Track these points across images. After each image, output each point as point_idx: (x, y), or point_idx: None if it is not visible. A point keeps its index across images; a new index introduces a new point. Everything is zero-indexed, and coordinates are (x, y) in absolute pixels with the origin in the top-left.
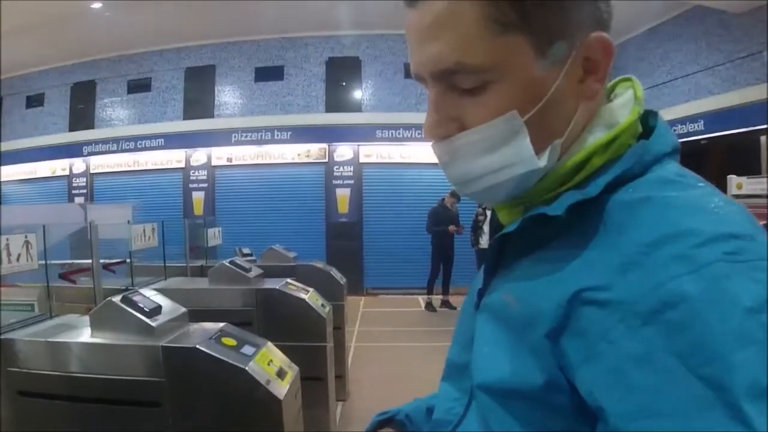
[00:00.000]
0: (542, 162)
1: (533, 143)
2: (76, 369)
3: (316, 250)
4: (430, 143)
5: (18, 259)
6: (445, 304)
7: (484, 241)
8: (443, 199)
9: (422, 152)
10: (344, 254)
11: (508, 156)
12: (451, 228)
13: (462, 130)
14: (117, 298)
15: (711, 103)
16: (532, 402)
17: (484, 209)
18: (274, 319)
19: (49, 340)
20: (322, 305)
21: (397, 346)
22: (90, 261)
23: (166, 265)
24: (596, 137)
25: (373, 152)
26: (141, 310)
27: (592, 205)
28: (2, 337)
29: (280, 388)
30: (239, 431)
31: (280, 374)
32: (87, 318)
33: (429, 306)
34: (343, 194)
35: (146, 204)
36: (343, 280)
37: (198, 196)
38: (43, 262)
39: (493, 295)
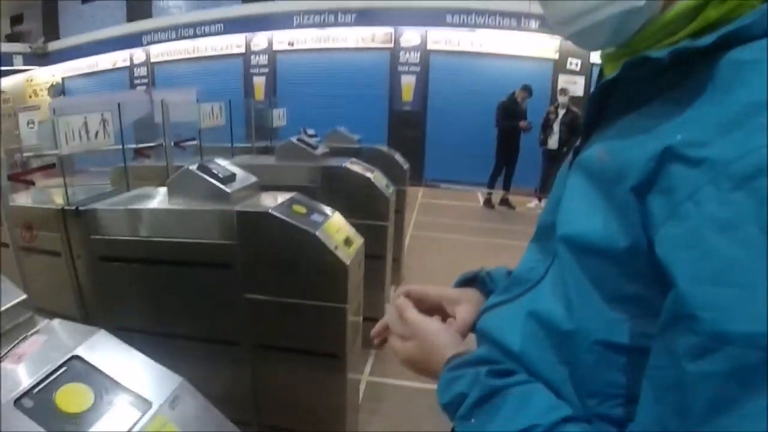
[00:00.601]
0: (641, 0)
1: None
2: (154, 234)
3: (377, 137)
4: None
5: (96, 136)
6: (504, 202)
7: (553, 141)
8: (514, 93)
9: (495, 41)
10: (406, 143)
11: None
12: (522, 124)
13: None
14: (193, 167)
15: None
16: (610, 261)
17: (556, 108)
18: (338, 196)
19: (129, 207)
20: (386, 186)
21: (452, 239)
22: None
23: (233, 146)
24: None
25: (442, 38)
26: (216, 177)
27: (701, 62)
28: (84, 208)
29: (347, 255)
30: (306, 293)
31: (347, 242)
32: (162, 189)
33: (488, 202)
34: (407, 82)
35: (207, 90)
36: (405, 165)
37: (259, 82)
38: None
39: (588, 151)
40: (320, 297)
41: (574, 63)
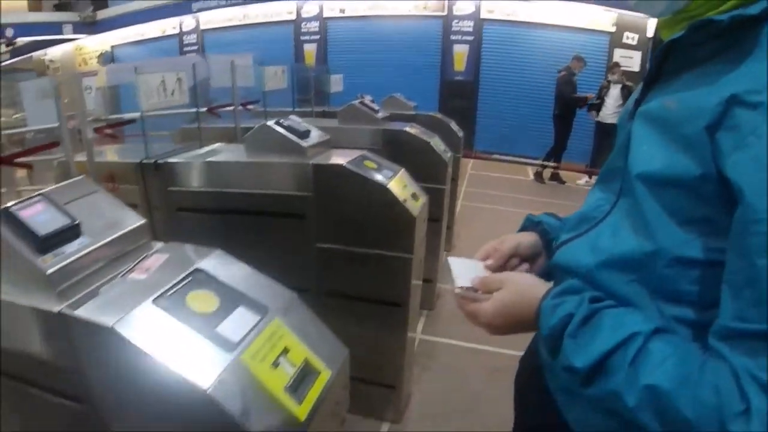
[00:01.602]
0: None
1: None
2: (232, 185)
3: (428, 106)
4: None
5: (172, 94)
6: (555, 177)
7: (605, 114)
8: (568, 66)
9: (550, 12)
10: (457, 113)
11: None
12: (589, 95)
13: None
14: (271, 122)
15: None
16: (684, 190)
17: (609, 81)
18: (399, 159)
19: (208, 160)
20: (445, 150)
21: (501, 210)
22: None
23: (294, 109)
24: None
25: (496, 7)
26: (294, 132)
27: (753, 26)
28: (162, 161)
29: (415, 208)
30: (374, 243)
31: (414, 197)
32: (236, 145)
33: (538, 176)
34: (460, 51)
35: (257, 57)
36: (460, 133)
37: (309, 49)
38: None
39: (652, 103)
40: (388, 247)
41: (630, 37)
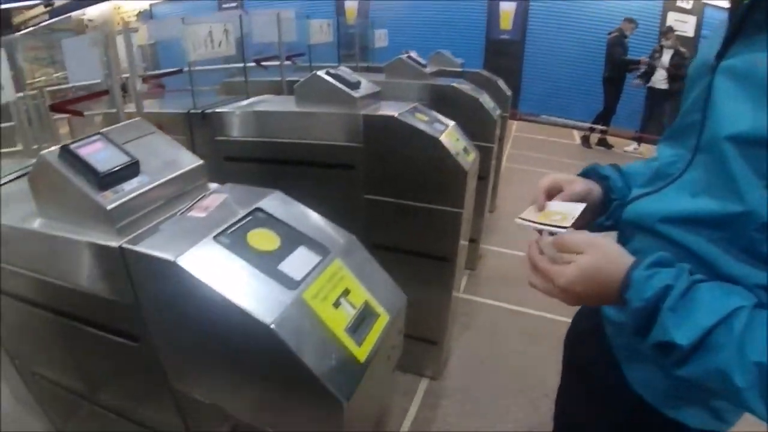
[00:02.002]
0: None
1: None
2: (281, 135)
3: (473, 65)
4: None
5: (219, 45)
6: (602, 142)
7: (656, 80)
8: (619, 28)
9: None
10: (502, 73)
11: None
12: (642, 59)
13: None
14: (322, 72)
15: None
16: None
17: (662, 46)
18: (447, 115)
19: (256, 109)
20: (494, 108)
21: (544, 173)
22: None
23: (339, 63)
24: None
25: None
26: (345, 82)
27: None
28: (209, 111)
29: (467, 162)
30: (424, 197)
31: (465, 151)
32: (284, 96)
33: (585, 141)
34: (507, 9)
35: (298, 12)
36: (509, 92)
37: (350, 6)
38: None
39: (737, 59)
40: (438, 201)
41: (685, 1)
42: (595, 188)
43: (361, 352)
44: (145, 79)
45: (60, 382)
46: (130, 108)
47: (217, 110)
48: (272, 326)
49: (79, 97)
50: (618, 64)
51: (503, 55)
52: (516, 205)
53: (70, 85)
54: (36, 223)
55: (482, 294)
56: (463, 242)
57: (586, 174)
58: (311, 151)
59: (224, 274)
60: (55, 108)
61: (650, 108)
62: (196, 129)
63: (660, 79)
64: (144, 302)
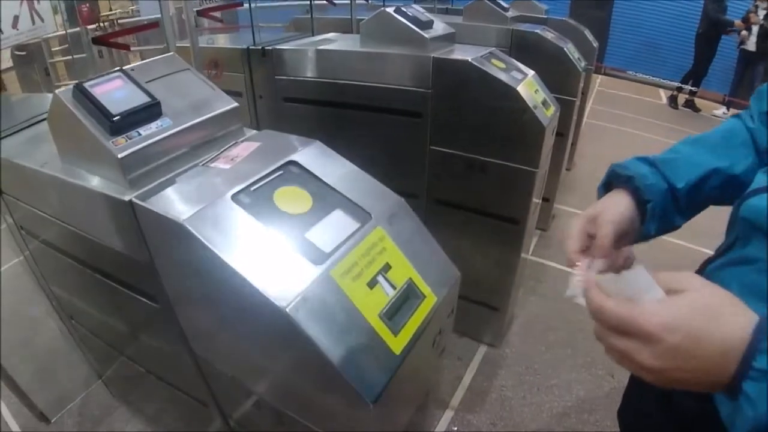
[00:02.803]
0: None
1: None
2: (344, 76)
3: (558, 13)
4: None
5: None
6: (690, 104)
7: (751, 43)
8: None
9: None
10: (588, 23)
11: None
12: (737, 23)
13: None
14: (390, 9)
15: None
16: None
17: (756, 7)
18: (528, 63)
19: (320, 48)
20: (579, 59)
21: (627, 132)
22: None
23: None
24: None
25: None
26: (415, 21)
27: None
28: (270, 48)
29: (545, 117)
30: (496, 152)
31: (545, 104)
32: (351, 35)
33: (672, 100)
34: None
35: None
36: (595, 44)
37: None
38: None
39: None
40: (511, 158)
41: None
42: (618, 216)
43: (398, 343)
44: (202, 12)
45: (93, 331)
46: (184, 43)
47: (278, 47)
48: (287, 309)
49: (126, 30)
50: (713, 21)
51: (591, 5)
52: (595, 164)
53: (142, 17)
54: (55, 167)
55: (552, 257)
56: (536, 201)
57: (607, 182)
58: (375, 95)
59: (239, 241)
60: (99, 40)
61: (742, 71)
62: (255, 67)
63: (752, 41)
64: (158, 262)
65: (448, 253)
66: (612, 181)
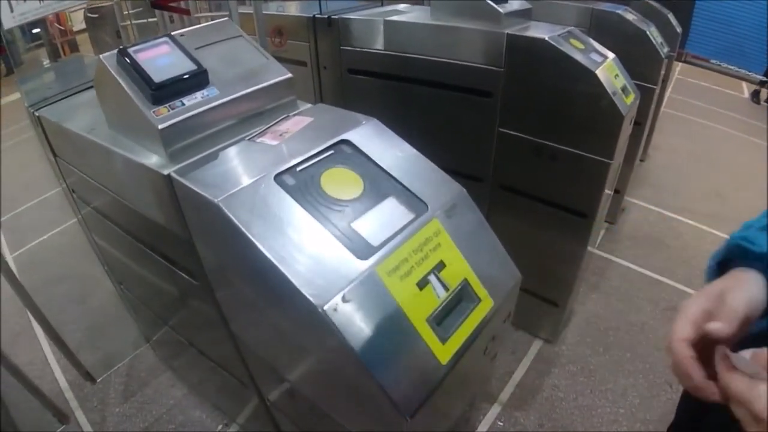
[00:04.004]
0: None
1: None
2: (412, 50)
3: None
4: None
5: None
6: None
7: None
8: None
9: None
10: (671, 6)
11: None
12: None
13: None
14: None
15: None
16: None
17: None
18: (607, 44)
19: (389, 19)
20: (661, 44)
21: (705, 125)
22: None
23: None
24: None
25: None
26: None
27: None
28: (336, 17)
29: (624, 105)
30: (568, 139)
31: (624, 91)
32: (421, 7)
33: (755, 95)
34: None
35: None
36: (679, 29)
37: None
38: None
39: None
40: (584, 146)
41: None
42: (754, 295)
43: (445, 351)
44: None
45: (140, 298)
46: (247, 9)
47: (344, 16)
48: (324, 309)
49: None
50: None
51: None
52: (670, 156)
53: None
54: (101, 134)
55: (618, 253)
56: (608, 193)
57: (727, 257)
58: (443, 70)
59: (276, 228)
60: (157, 4)
61: None
62: (321, 36)
63: None
64: (196, 239)
65: (509, 241)
66: (733, 258)
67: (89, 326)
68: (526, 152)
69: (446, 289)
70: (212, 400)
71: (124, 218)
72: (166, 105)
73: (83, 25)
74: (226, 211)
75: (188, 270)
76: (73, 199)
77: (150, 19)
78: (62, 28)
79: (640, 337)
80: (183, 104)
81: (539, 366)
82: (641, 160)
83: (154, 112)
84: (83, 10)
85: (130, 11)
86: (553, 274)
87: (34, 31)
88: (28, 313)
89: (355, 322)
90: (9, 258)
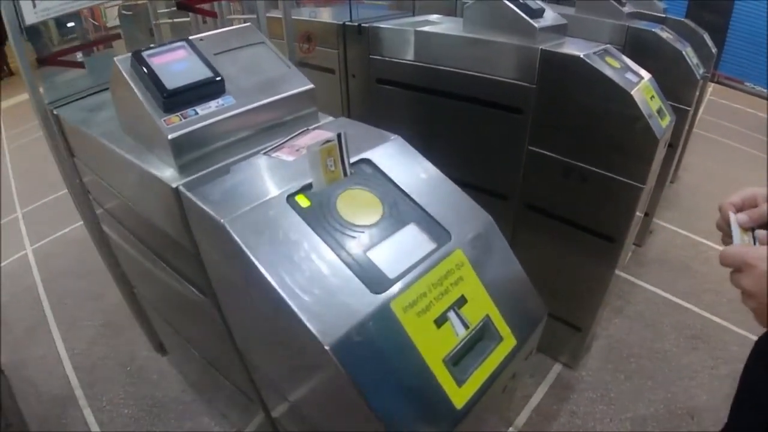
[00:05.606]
0: None
1: None
2: (443, 62)
3: (674, 12)
4: None
5: None
6: None
7: None
8: None
9: None
10: (705, 26)
11: None
12: None
13: None
14: None
15: None
16: None
17: None
18: (643, 64)
19: (420, 29)
20: (697, 65)
21: (737, 149)
22: None
23: None
24: None
25: None
26: (524, 8)
27: None
28: (367, 25)
29: (659, 127)
30: (600, 161)
31: (660, 113)
32: (454, 18)
33: None
34: None
35: None
36: (714, 50)
37: None
38: None
39: None
40: (616, 169)
41: None
42: None
43: (461, 395)
44: None
45: (151, 304)
46: (278, 13)
47: (375, 25)
48: (329, 348)
49: None
50: None
51: (709, 8)
52: (700, 178)
53: None
54: (113, 137)
55: (644, 277)
56: (638, 215)
57: None
58: (473, 84)
59: (285, 254)
60: (183, 5)
61: None
62: (350, 43)
63: None
64: (203, 255)
65: (533, 262)
66: None
67: (104, 323)
68: (555, 172)
69: (466, 327)
70: (221, 409)
71: (135, 224)
72: (178, 113)
73: (117, 22)
74: (232, 233)
75: (196, 284)
76: (88, 200)
77: (184, 19)
78: (96, 23)
79: (662, 365)
80: (196, 113)
81: (558, 391)
82: (671, 182)
83: (165, 120)
84: (118, 6)
85: (163, 10)
86: (577, 298)
87: (69, 25)
88: (44, 306)
89: (365, 361)
90: (29, 250)
